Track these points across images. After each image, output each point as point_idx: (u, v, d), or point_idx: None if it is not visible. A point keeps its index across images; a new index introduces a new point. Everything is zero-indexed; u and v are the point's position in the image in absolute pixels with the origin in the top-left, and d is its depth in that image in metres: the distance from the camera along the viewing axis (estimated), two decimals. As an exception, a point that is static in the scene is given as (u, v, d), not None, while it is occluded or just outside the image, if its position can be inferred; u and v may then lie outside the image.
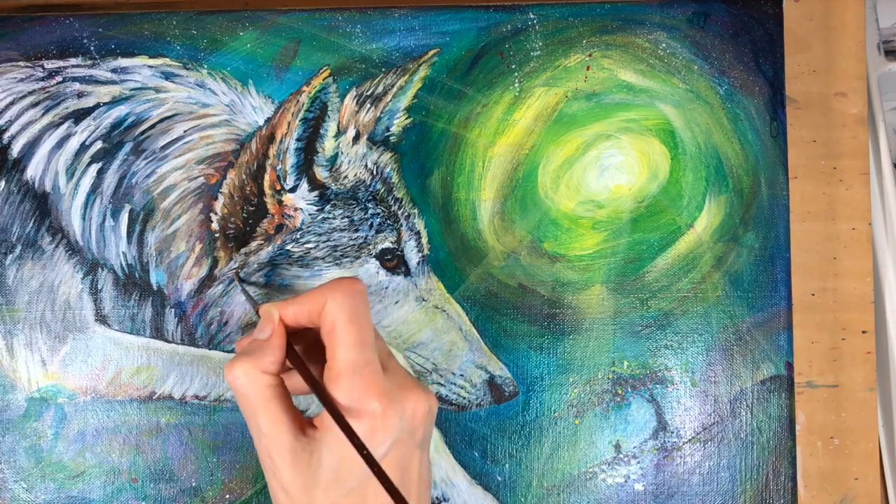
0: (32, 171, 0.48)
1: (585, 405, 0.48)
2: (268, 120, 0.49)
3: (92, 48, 0.49)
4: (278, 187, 0.48)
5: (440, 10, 0.49)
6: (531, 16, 0.49)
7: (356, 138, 0.49)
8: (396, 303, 0.49)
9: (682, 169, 0.49)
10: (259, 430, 0.37)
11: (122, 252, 0.48)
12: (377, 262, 0.49)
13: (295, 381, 0.40)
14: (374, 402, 0.36)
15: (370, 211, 0.49)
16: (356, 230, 0.48)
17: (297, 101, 0.49)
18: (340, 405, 0.36)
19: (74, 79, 0.49)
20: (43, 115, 0.48)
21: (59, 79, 0.49)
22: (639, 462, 0.48)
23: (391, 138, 0.49)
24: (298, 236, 0.48)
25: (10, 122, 0.48)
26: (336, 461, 0.36)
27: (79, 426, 0.48)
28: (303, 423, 0.38)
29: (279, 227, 0.48)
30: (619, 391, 0.49)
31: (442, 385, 0.48)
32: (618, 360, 0.49)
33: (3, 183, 0.48)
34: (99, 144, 0.49)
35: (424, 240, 0.49)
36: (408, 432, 0.37)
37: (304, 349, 0.40)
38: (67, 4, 0.51)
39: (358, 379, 0.36)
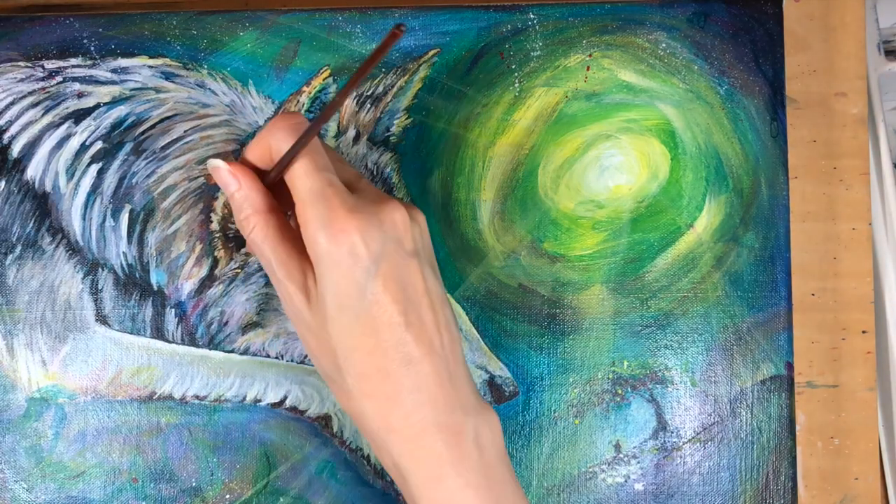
0: (32, 171, 0.48)
1: (585, 405, 0.48)
2: (268, 120, 0.49)
3: (92, 48, 0.49)
4: (278, 187, 0.48)
5: (440, 10, 0.49)
6: (531, 16, 0.49)
7: (356, 138, 0.49)
8: (396, 303, 0.49)
9: (682, 169, 0.49)
10: (276, 276, 0.38)
11: (123, 252, 0.48)
12: (377, 262, 0.49)
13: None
14: (347, 221, 0.35)
15: (370, 211, 0.49)
16: (356, 230, 0.48)
17: (298, 101, 0.49)
18: (314, 233, 0.36)
19: (74, 79, 0.49)
20: (43, 115, 0.49)
21: (59, 79, 0.49)
22: (639, 462, 0.48)
23: (391, 138, 0.49)
24: (298, 236, 0.48)
25: (11, 123, 0.48)
26: (333, 287, 0.36)
27: (79, 426, 0.48)
28: (308, 261, 0.38)
29: (279, 228, 0.48)
30: (619, 391, 0.49)
31: (442, 385, 0.48)
32: (618, 360, 0.49)
33: (3, 183, 0.48)
34: (99, 144, 0.49)
35: (424, 240, 0.49)
36: (393, 242, 0.37)
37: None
38: (67, 4, 0.51)
39: (322, 203, 0.36)
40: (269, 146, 0.38)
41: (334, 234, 0.35)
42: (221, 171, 0.39)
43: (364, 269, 0.36)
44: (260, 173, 0.40)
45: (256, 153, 0.39)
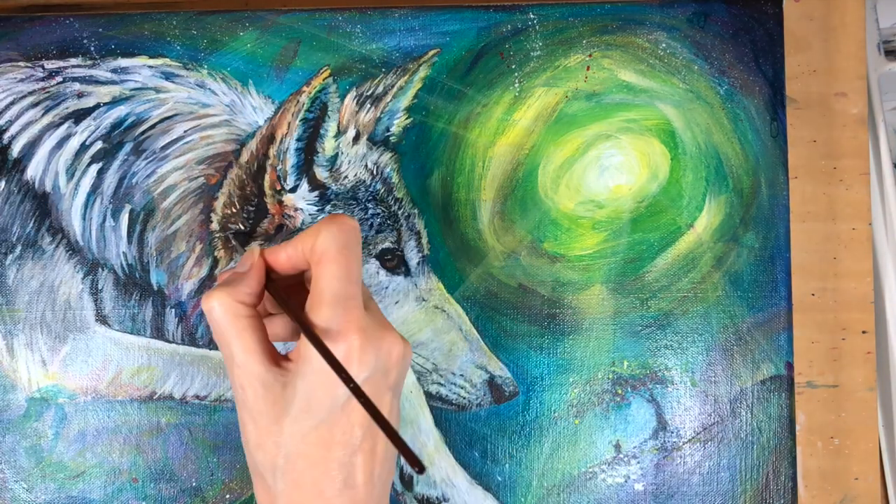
0: (33, 171, 0.48)
1: (585, 405, 0.48)
2: (268, 120, 0.49)
3: (92, 48, 0.49)
4: (278, 187, 0.48)
5: (440, 10, 0.49)
6: (531, 16, 0.49)
7: (356, 138, 0.49)
8: (396, 303, 0.49)
9: (682, 169, 0.49)
10: (232, 360, 0.37)
11: (123, 252, 0.48)
12: (377, 262, 0.49)
13: (276, 327, 0.41)
14: (354, 335, 0.36)
15: (370, 211, 0.49)
16: (356, 230, 0.48)
17: (298, 101, 0.49)
18: (319, 332, 0.36)
19: (74, 79, 0.49)
20: (43, 115, 0.49)
21: (59, 79, 0.49)
22: (639, 462, 0.48)
23: (391, 138, 0.49)
24: (298, 236, 0.48)
25: (11, 123, 0.48)
26: (309, 391, 0.36)
27: (79, 426, 0.48)
28: (276, 356, 0.38)
29: (279, 228, 0.48)
30: (619, 391, 0.49)
31: (442, 385, 0.48)
32: (618, 360, 0.49)
33: (3, 183, 0.48)
34: (99, 144, 0.49)
35: (424, 240, 0.49)
36: (381, 371, 0.37)
37: (285, 289, 0.40)
38: (67, 4, 0.51)
39: (340, 310, 0.36)
40: (317, 237, 0.38)
41: (336, 342, 0.36)
42: (250, 255, 0.39)
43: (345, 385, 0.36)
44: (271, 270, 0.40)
45: (300, 247, 0.39)
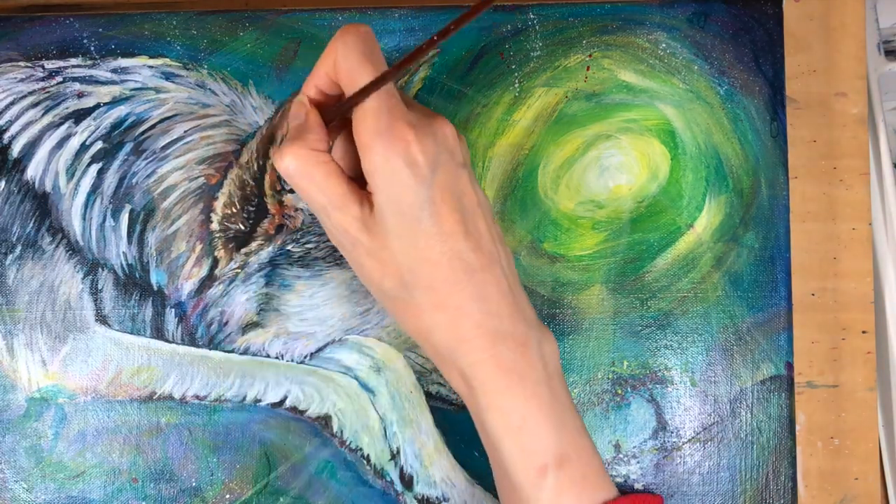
0: (33, 171, 0.48)
1: (585, 405, 0.48)
2: (268, 120, 0.49)
3: (92, 48, 0.49)
4: (279, 188, 0.48)
5: (440, 10, 0.49)
6: (531, 16, 0.49)
7: (356, 138, 0.49)
8: (396, 303, 0.49)
9: (682, 169, 0.49)
10: (325, 209, 0.38)
11: (123, 252, 0.48)
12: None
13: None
14: (405, 130, 0.36)
15: (370, 211, 0.49)
16: (356, 230, 0.48)
17: (298, 101, 0.48)
18: (371, 142, 0.36)
19: (74, 79, 0.49)
20: (43, 115, 0.49)
21: (59, 79, 0.49)
22: (638, 462, 0.48)
23: (391, 138, 0.49)
24: (299, 236, 0.48)
25: (11, 123, 0.49)
26: (393, 200, 0.36)
27: (79, 426, 0.48)
28: (359, 191, 0.38)
29: (280, 228, 0.48)
30: (619, 391, 0.49)
31: (442, 385, 0.48)
32: (618, 360, 0.49)
33: (3, 183, 0.48)
34: (99, 144, 0.49)
35: (424, 240, 0.49)
36: (447, 152, 0.38)
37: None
38: (67, 4, 0.51)
39: (384, 114, 0.36)
40: (336, 61, 0.38)
41: (392, 142, 0.36)
42: (298, 104, 0.39)
43: (422, 178, 0.36)
44: (321, 107, 0.40)
45: (322, 70, 0.38)
